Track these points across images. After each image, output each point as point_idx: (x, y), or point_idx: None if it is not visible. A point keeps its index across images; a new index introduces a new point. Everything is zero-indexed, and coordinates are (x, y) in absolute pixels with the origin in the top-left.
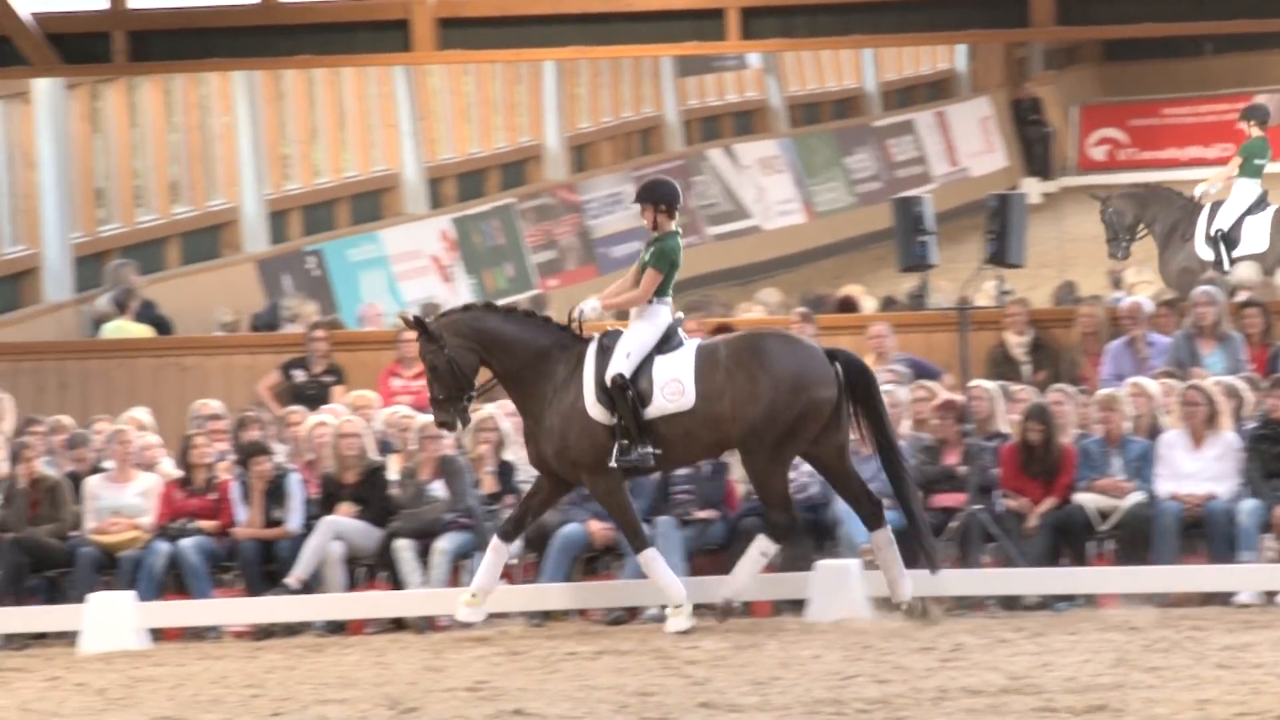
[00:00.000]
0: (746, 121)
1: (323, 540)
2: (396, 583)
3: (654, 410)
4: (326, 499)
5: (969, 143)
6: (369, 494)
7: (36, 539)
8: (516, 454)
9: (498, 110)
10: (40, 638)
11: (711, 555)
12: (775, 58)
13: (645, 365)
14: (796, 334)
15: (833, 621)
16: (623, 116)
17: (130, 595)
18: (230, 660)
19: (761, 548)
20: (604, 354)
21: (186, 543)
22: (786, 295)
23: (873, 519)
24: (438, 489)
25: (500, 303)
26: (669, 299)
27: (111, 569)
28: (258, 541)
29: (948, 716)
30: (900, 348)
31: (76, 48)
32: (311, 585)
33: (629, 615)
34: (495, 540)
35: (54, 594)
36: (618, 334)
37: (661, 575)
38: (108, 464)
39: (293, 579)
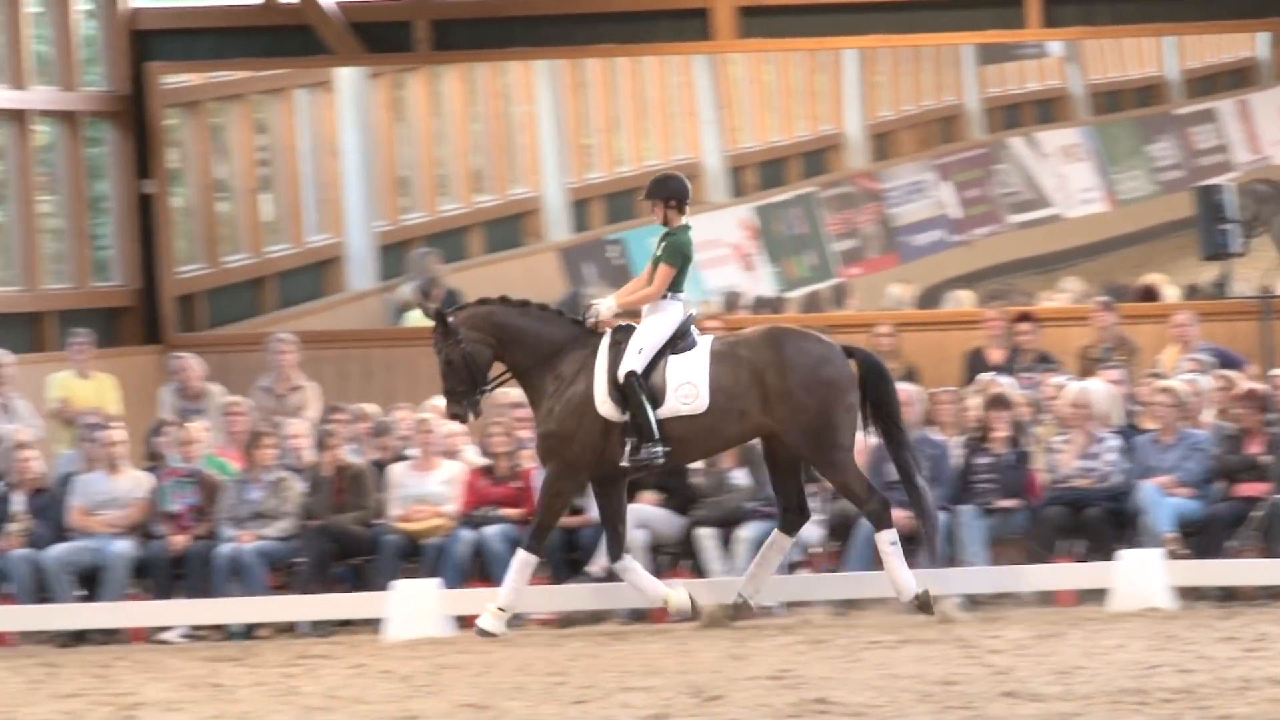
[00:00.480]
0: (1047, 109)
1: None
2: (699, 571)
3: (666, 411)
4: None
5: (1271, 131)
6: (672, 482)
7: (342, 526)
8: None
9: (798, 99)
10: (345, 624)
11: (1013, 544)
12: (1076, 45)
13: (659, 364)
14: (812, 331)
15: (1136, 611)
16: (923, 104)
17: (435, 582)
18: (534, 648)
19: (889, 539)
20: (616, 349)
21: (490, 530)
22: (1088, 284)
23: (790, 525)
24: (740, 477)
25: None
26: (683, 295)
27: (415, 556)
28: (560, 529)
29: (1251, 706)
30: (1203, 337)
31: (379, 37)
32: (614, 573)
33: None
34: (614, 566)
35: (359, 581)
36: (629, 329)
37: (517, 578)
38: (411, 452)
39: (596, 567)
